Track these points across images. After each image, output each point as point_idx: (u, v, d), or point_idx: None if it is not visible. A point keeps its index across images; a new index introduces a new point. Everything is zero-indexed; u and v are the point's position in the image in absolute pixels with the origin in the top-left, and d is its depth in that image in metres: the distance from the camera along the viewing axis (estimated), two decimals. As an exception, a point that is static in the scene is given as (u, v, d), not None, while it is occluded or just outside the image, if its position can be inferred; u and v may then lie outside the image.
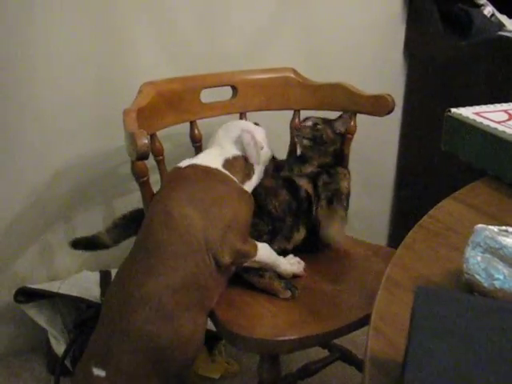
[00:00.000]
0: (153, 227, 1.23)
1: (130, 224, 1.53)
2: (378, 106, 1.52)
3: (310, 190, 1.44)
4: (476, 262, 0.70)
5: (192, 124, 1.54)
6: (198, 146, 1.55)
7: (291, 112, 1.65)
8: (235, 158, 1.38)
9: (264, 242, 1.32)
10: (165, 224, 1.22)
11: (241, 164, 1.38)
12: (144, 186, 1.34)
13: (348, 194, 1.49)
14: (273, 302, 1.29)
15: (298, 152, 1.58)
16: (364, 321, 1.27)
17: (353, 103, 1.56)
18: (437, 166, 2.08)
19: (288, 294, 1.30)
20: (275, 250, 1.34)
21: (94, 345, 1.22)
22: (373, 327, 0.65)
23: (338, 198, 1.44)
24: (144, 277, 1.19)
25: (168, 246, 1.20)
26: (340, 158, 1.54)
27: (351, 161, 1.59)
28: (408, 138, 2.24)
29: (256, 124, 1.50)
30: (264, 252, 1.30)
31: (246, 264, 1.28)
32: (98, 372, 1.17)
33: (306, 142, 1.50)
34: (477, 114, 1.15)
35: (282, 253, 1.38)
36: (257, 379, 1.31)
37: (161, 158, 1.44)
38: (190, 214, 1.22)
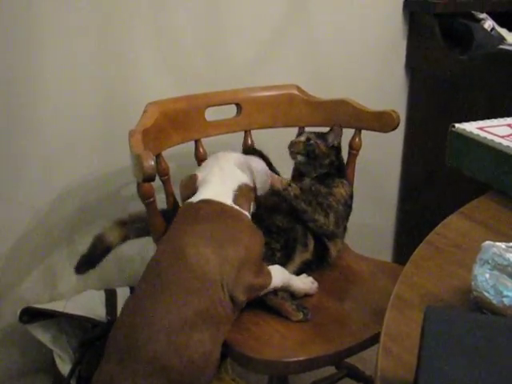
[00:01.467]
0: (164, 265, 1.23)
1: (137, 221, 1.52)
2: (383, 122, 1.53)
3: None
4: (484, 279, 0.70)
5: (197, 143, 1.54)
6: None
7: (296, 129, 1.65)
8: (241, 188, 1.35)
9: (279, 259, 1.33)
10: (177, 262, 1.21)
11: (247, 192, 1.36)
12: (150, 206, 1.34)
13: (345, 203, 1.47)
14: (281, 323, 1.29)
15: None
16: (373, 339, 1.27)
17: (357, 120, 1.57)
18: (441, 179, 2.09)
19: (300, 316, 1.29)
20: (299, 265, 1.34)
21: (99, 379, 1.20)
22: (382, 347, 0.64)
23: (329, 205, 1.44)
24: (154, 313, 1.18)
25: (181, 283, 1.19)
26: (339, 170, 1.54)
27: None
28: (411, 153, 2.25)
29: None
30: (277, 276, 1.30)
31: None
32: None
33: (299, 157, 1.50)
34: (480, 128, 1.15)
35: (305, 266, 1.39)
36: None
37: (166, 177, 1.45)
38: (205, 252, 1.21)
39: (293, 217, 1.42)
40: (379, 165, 2.17)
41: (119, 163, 1.80)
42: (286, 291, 1.33)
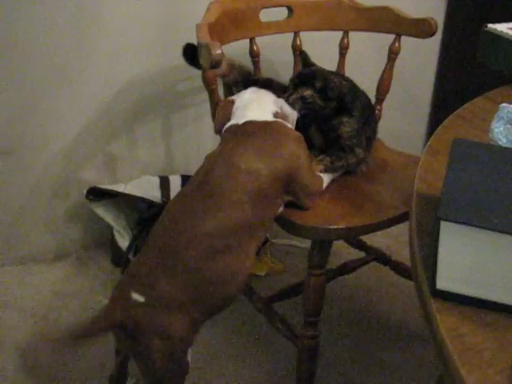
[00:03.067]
0: (215, 174, 1.29)
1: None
2: (422, 28, 1.66)
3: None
4: (499, 131, 0.88)
5: (252, 41, 1.70)
6: (256, 60, 1.71)
7: (341, 33, 1.79)
8: (278, 113, 1.43)
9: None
10: (229, 175, 1.28)
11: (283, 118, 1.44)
12: (213, 93, 1.52)
13: (353, 136, 1.48)
14: (323, 198, 1.48)
15: None
16: (401, 217, 1.45)
17: (398, 25, 1.70)
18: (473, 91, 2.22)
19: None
20: None
21: (137, 270, 1.26)
22: (418, 176, 0.83)
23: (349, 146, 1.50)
24: (199, 217, 1.24)
25: (229, 194, 1.26)
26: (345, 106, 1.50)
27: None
28: (446, 62, 2.37)
29: None
30: (327, 180, 1.47)
31: None
32: (137, 297, 1.21)
33: (303, 112, 1.50)
34: (510, 28, 1.30)
35: None
36: (307, 263, 1.49)
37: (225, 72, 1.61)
38: (258, 167, 1.29)
39: None
40: (414, 72, 2.30)
41: (173, 61, 1.96)
42: None
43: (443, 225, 0.63)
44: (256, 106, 1.43)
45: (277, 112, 1.42)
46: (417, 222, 0.74)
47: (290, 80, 1.51)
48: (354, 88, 1.52)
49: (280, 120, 1.41)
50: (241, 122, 1.39)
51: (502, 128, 0.87)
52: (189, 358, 1.29)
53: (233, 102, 1.46)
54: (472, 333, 0.61)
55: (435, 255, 0.65)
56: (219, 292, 1.26)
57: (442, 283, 0.64)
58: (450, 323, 0.61)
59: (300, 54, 1.61)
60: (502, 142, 0.87)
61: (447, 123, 1.01)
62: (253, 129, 1.37)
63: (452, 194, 0.66)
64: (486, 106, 1.09)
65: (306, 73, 1.48)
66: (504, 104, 0.89)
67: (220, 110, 1.48)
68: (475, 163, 0.73)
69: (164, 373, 1.25)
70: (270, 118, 1.40)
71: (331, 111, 1.46)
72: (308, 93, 1.44)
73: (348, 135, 1.47)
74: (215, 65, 1.36)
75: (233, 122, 1.41)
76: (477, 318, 0.63)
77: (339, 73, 1.74)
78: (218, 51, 1.35)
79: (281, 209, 1.40)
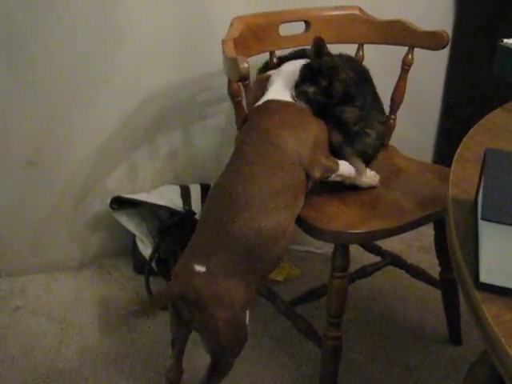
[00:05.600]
0: (252, 143, 1.42)
1: None
2: (434, 40, 1.73)
3: None
4: None
5: (271, 54, 1.77)
6: (275, 73, 1.78)
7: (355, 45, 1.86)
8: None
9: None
10: (262, 142, 1.41)
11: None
12: (237, 104, 1.59)
13: (354, 123, 1.52)
14: (344, 203, 1.54)
15: None
16: (420, 221, 1.52)
17: (411, 38, 1.77)
18: (480, 103, 2.29)
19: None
20: None
21: (196, 244, 1.35)
22: (451, 182, 0.90)
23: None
24: (248, 183, 1.35)
25: (269, 156, 1.38)
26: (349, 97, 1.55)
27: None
28: (454, 73, 2.44)
29: None
30: (344, 167, 1.52)
31: (330, 178, 1.51)
32: (199, 268, 1.28)
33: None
34: (525, 43, 1.38)
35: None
36: (329, 267, 1.55)
37: (247, 82, 1.68)
38: (284, 134, 1.41)
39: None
40: (423, 83, 2.36)
41: (194, 73, 2.05)
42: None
43: (485, 225, 0.70)
44: (277, 82, 1.54)
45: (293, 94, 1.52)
46: (455, 224, 0.81)
47: (301, 69, 1.55)
48: (360, 79, 1.56)
49: (298, 102, 1.51)
50: (261, 102, 1.52)
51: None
52: (247, 320, 1.37)
53: (268, 77, 1.57)
54: (514, 319, 0.68)
55: (476, 252, 0.72)
56: (268, 253, 1.35)
57: (484, 277, 0.71)
58: (493, 311, 0.68)
59: (314, 41, 1.55)
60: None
61: (472, 133, 1.09)
62: (274, 106, 1.49)
63: (491, 197, 0.73)
64: (505, 116, 1.16)
65: (314, 66, 1.53)
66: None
67: (255, 84, 1.59)
68: (508, 171, 0.80)
69: (228, 340, 1.34)
70: (288, 98, 1.51)
71: (334, 103, 1.52)
72: (311, 90, 1.51)
73: (352, 121, 1.52)
74: (242, 78, 1.44)
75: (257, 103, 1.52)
76: (517, 307, 0.70)
77: (350, 59, 1.69)
78: (245, 65, 1.42)
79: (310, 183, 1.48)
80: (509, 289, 0.71)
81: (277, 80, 1.56)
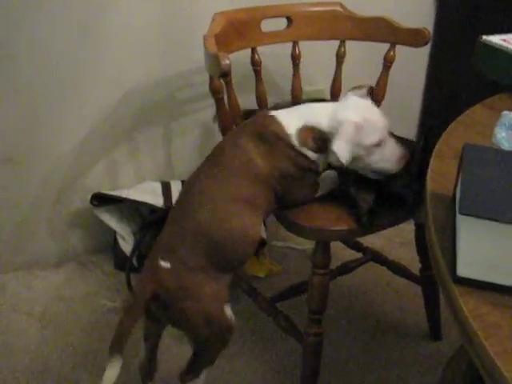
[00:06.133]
0: (224, 149, 1.40)
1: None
2: (416, 38, 1.74)
3: None
4: (502, 136, 0.96)
5: (253, 50, 1.77)
6: (257, 69, 1.78)
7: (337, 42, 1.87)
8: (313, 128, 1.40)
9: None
10: (234, 151, 1.37)
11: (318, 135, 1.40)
12: (219, 101, 1.58)
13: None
14: (323, 204, 1.51)
15: None
16: (400, 219, 1.53)
17: (393, 35, 1.78)
18: (461, 100, 2.31)
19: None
20: None
21: (161, 242, 1.36)
22: (430, 178, 0.91)
23: None
24: (207, 184, 1.35)
25: (234, 166, 1.36)
26: None
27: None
28: (434, 72, 2.46)
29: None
30: (326, 184, 1.50)
31: None
32: (165, 264, 1.30)
33: None
34: (504, 40, 1.39)
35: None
36: (311, 264, 1.55)
37: (229, 78, 1.67)
38: (256, 158, 1.35)
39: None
40: (404, 80, 2.38)
41: (174, 69, 2.05)
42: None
43: (462, 219, 0.70)
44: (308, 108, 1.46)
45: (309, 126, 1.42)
46: (433, 219, 0.81)
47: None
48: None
49: (292, 141, 1.40)
50: (269, 113, 1.44)
51: (504, 134, 0.96)
52: (228, 314, 1.36)
53: None
54: (491, 312, 0.69)
55: (454, 246, 0.72)
56: (231, 252, 1.35)
57: (461, 271, 0.71)
58: (470, 305, 0.69)
59: None
60: (505, 146, 0.95)
61: (451, 129, 1.10)
62: (264, 125, 1.41)
63: (468, 192, 0.74)
64: (484, 112, 1.18)
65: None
66: (506, 112, 0.97)
67: None
68: (486, 166, 0.80)
69: (204, 333, 1.34)
70: (293, 126, 1.40)
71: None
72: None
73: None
74: (224, 74, 1.43)
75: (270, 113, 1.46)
76: (493, 300, 0.71)
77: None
78: (227, 61, 1.42)
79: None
80: (486, 282, 0.71)
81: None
